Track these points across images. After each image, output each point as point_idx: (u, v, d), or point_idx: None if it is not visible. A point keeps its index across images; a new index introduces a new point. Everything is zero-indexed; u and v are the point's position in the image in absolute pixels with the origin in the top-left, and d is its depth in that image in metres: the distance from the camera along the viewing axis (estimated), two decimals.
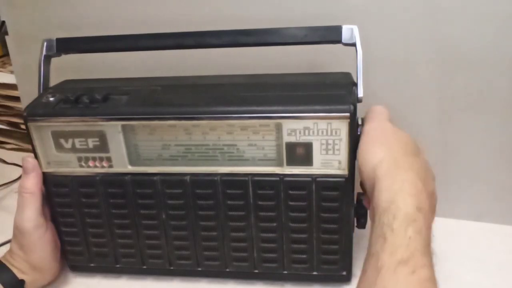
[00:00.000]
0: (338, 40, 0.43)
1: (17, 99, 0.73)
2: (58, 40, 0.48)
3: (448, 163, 0.54)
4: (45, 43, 0.48)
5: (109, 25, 0.57)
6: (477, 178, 0.54)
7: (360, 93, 0.42)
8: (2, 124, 0.77)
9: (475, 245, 0.53)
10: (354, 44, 0.42)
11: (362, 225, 0.47)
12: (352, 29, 0.42)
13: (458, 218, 0.57)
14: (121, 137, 0.44)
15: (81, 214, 0.48)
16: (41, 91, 0.48)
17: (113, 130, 0.44)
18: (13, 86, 0.72)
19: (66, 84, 0.51)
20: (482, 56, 0.48)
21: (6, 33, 0.63)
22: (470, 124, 0.51)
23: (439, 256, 0.46)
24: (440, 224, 0.56)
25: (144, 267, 0.50)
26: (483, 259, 0.51)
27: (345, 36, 0.42)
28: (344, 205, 0.44)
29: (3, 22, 0.63)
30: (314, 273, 0.47)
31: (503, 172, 0.53)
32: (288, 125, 0.41)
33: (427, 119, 0.53)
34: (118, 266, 0.50)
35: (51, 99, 0.46)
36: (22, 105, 0.71)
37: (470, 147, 0.53)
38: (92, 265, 0.51)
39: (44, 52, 0.48)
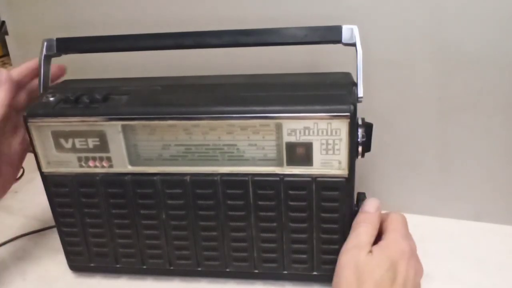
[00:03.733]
0: (338, 40, 0.42)
1: None
2: (58, 40, 0.48)
3: (448, 163, 0.54)
4: (45, 43, 0.48)
5: (109, 25, 0.58)
6: (477, 178, 0.54)
7: (360, 93, 0.42)
8: None
9: (475, 245, 0.53)
10: (354, 44, 0.42)
11: None
12: (352, 29, 0.42)
13: (458, 218, 0.57)
14: (121, 137, 0.44)
15: (81, 214, 0.48)
16: (41, 91, 0.48)
17: (113, 130, 0.44)
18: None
19: (66, 84, 0.51)
20: (482, 56, 0.48)
21: (6, 33, 0.63)
22: (470, 124, 0.51)
23: (439, 256, 0.46)
24: (440, 224, 0.57)
25: (144, 267, 0.50)
26: (483, 259, 0.51)
27: (345, 36, 0.42)
28: (344, 205, 0.44)
29: (3, 22, 0.63)
30: (314, 273, 0.47)
31: (503, 172, 0.53)
32: (288, 125, 0.41)
33: (427, 119, 0.53)
34: (118, 266, 0.50)
35: (51, 99, 0.46)
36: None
37: (470, 147, 0.53)
38: (92, 265, 0.50)
39: (44, 52, 0.48)
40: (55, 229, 0.50)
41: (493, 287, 0.48)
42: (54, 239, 0.55)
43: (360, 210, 0.44)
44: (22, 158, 0.51)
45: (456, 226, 0.56)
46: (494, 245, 0.53)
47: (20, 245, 0.57)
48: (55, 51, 0.48)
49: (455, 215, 0.57)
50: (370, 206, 0.44)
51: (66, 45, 0.48)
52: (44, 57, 0.48)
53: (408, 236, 0.42)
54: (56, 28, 0.59)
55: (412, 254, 0.41)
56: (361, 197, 0.47)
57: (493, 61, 0.47)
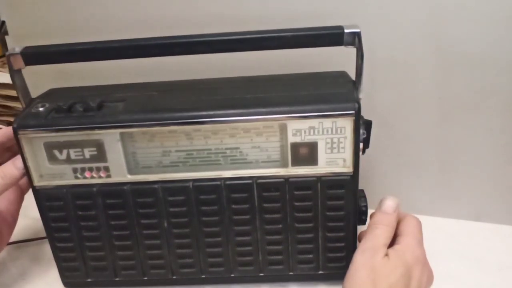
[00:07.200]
0: (340, 42, 0.41)
1: (17, 99, 0.70)
2: (24, 54, 0.43)
3: (448, 163, 0.54)
4: (10, 58, 0.43)
5: (110, 25, 0.56)
6: (477, 178, 0.54)
7: (360, 95, 0.42)
8: (2, 124, 0.73)
9: (475, 245, 0.53)
10: (356, 46, 0.41)
11: (362, 222, 0.47)
12: (354, 30, 0.41)
13: (458, 218, 0.57)
14: (119, 145, 0.43)
15: (77, 228, 0.46)
16: (25, 105, 0.46)
17: (112, 138, 0.42)
18: (13, 86, 0.69)
19: (53, 93, 0.48)
20: (483, 56, 0.48)
21: (6, 33, 0.61)
22: (470, 124, 0.51)
23: (439, 256, 0.46)
24: (440, 224, 0.57)
25: (145, 278, 0.48)
26: (483, 259, 0.51)
27: (347, 37, 0.41)
28: (349, 202, 0.44)
29: (3, 22, 0.61)
30: (320, 272, 0.47)
31: (503, 172, 0.53)
32: (293, 125, 0.41)
33: (427, 119, 0.53)
34: (117, 279, 0.48)
35: (41, 109, 0.44)
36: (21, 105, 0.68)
37: (470, 147, 0.53)
38: (89, 280, 0.48)
39: (13, 68, 0.44)
40: (44, 241, 0.48)
41: (493, 287, 0.48)
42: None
43: (378, 208, 0.43)
44: (18, 209, 0.49)
45: (456, 226, 0.56)
46: (494, 245, 0.53)
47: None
48: (23, 66, 0.44)
49: (455, 215, 0.57)
50: (388, 207, 0.43)
51: (35, 58, 0.43)
52: (14, 72, 0.44)
53: (422, 242, 0.42)
54: (56, 28, 0.57)
55: (426, 261, 0.41)
56: (360, 194, 0.48)
57: (494, 61, 0.48)
